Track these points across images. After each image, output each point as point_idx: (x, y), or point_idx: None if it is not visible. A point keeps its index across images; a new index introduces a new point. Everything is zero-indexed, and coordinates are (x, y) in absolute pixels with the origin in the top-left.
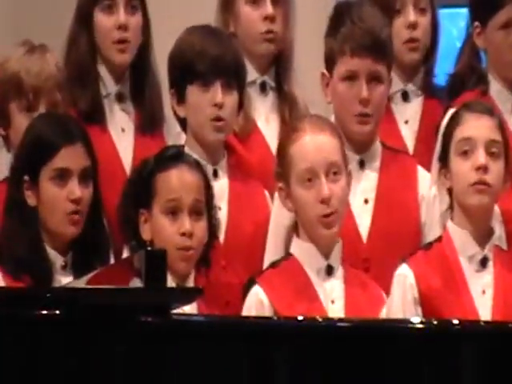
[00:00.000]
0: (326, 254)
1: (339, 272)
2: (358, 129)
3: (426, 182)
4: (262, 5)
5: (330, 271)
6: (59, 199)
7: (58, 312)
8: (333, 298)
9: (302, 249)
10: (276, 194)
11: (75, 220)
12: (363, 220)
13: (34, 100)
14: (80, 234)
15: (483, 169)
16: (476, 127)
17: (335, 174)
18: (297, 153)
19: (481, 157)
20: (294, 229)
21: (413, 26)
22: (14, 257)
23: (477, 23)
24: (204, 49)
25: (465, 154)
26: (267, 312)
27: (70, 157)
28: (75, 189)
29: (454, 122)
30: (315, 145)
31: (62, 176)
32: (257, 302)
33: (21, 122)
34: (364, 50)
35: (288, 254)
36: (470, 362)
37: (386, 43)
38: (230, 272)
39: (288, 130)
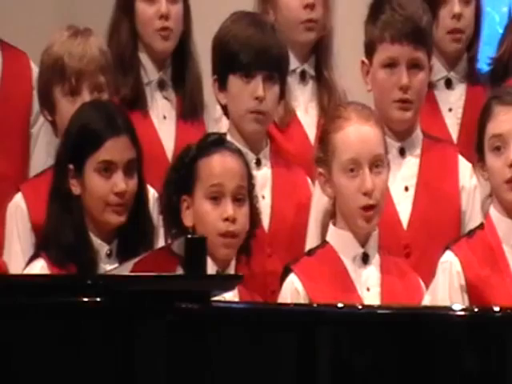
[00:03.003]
0: (363, 242)
1: (375, 260)
2: (399, 115)
3: (467, 171)
4: None
5: (365, 259)
6: (104, 191)
7: (98, 299)
8: (368, 286)
9: (338, 237)
10: (316, 181)
11: (119, 210)
12: (403, 207)
13: (76, 83)
14: (125, 223)
15: None
16: (506, 121)
17: (378, 166)
18: (341, 142)
19: None
20: (332, 216)
21: (457, 17)
22: (58, 245)
23: None
24: (248, 40)
25: (497, 149)
26: (302, 300)
27: (116, 149)
28: (120, 182)
29: (486, 115)
30: (360, 136)
31: (107, 168)
32: (292, 291)
33: (65, 106)
34: (404, 36)
35: (324, 242)
36: (507, 351)
37: (425, 30)
38: (275, 260)
39: (332, 117)
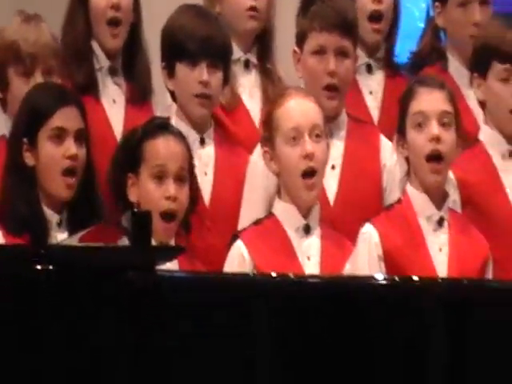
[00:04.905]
0: (305, 215)
1: (317, 231)
2: (327, 103)
3: (388, 150)
4: None
5: (307, 230)
6: (57, 156)
7: (51, 268)
8: (309, 255)
9: (282, 209)
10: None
11: (70, 183)
12: (330, 184)
13: (30, 66)
14: (74, 194)
15: (436, 139)
16: (428, 100)
17: (317, 136)
18: (283, 114)
19: (434, 128)
20: (277, 192)
21: (378, 1)
22: (14, 215)
23: (437, 3)
24: (193, 30)
25: (419, 126)
26: (247, 265)
27: (66, 117)
28: (71, 146)
29: (409, 96)
30: (300, 107)
31: (59, 135)
32: (238, 256)
33: (18, 85)
34: (332, 26)
35: (270, 214)
36: (428, 315)
37: (352, 22)
38: (215, 233)
39: (275, 98)
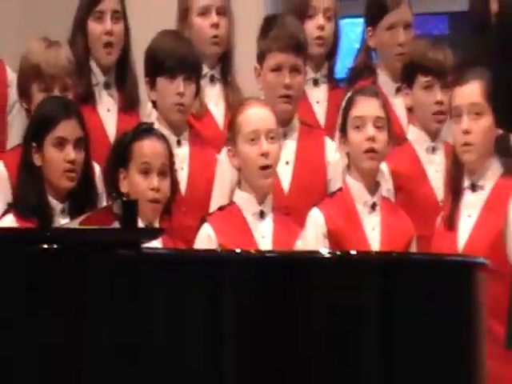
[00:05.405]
0: (260, 202)
1: (270, 216)
2: (283, 108)
3: (332, 149)
4: (209, 16)
5: (262, 215)
6: (59, 160)
7: (55, 246)
8: (263, 235)
9: (242, 197)
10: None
11: (70, 177)
12: (285, 177)
13: (50, 84)
14: (75, 187)
15: (372, 139)
16: (365, 107)
17: (272, 138)
18: (244, 120)
19: (370, 130)
20: (237, 184)
21: (321, 28)
22: (25, 204)
23: (369, 28)
24: (172, 50)
25: (357, 128)
26: (213, 243)
27: (67, 128)
28: (70, 152)
29: (350, 103)
30: (258, 114)
31: (61, 143)
32: (206, 236)
33: (39, 99)
34: (287, 48)
35: (231, 202)
36: (364, 282)
37: (303, 44)
38: (189, 217)
39: (237, 107)
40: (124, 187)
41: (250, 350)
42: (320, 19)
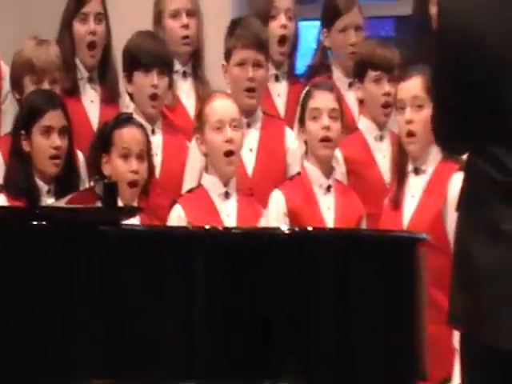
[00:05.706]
0: (225, 184)
1: (234, 197)
2: (247, 101)
3: (292, 137)
4: (179, 18)
5: (227, 195)
6: (45, 146)
7: (44, 223)
8: (228, 214)
9: (209, 180)
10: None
11: (56, 163)
12: (249, 162)
13: (40, 77)
14: (60, 171)
15: (327, 128)
16: (321, 100)
17: (235, 126)
18: (211, 110)
19: (325, 120)
20: (205, 168)
21: (284, 26)
22: (15, 186)
23: (325, 29)
24: (147, 47)
25: (314, 118)
26: (183, 221)
27: (53, 118)
28: (56, 139)
29: (307, 95)
30: (223, 105)
31: (47, 131)
32: (177, 216)
33: (30, 90)
34: (250, 45)
35: (199, 184)
36: (320, 255)
37: (265, 42)
38: (163, 197)
39: (204, 98)
40: (106, 170)
41: (218, 312)
42: (282, 18)
